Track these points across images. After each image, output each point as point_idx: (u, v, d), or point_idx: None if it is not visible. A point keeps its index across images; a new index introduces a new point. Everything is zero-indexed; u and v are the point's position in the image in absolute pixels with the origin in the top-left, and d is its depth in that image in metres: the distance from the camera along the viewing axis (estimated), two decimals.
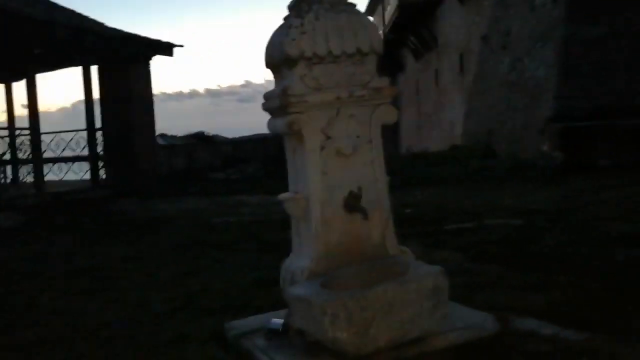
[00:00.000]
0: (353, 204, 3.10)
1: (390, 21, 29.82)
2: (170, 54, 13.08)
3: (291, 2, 3.22)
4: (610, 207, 6.56)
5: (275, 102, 3.09)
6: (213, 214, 8.65)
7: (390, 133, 36.88)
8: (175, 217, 8.62)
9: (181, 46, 13.32)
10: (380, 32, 34.23)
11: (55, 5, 12.16)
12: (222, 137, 17.02)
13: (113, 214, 9.43)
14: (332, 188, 3.09)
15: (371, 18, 38.30)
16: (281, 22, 3.21)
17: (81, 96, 12.49)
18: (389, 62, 35.83)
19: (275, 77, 3.26)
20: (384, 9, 32.19)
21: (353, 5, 3.20)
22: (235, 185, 12.26)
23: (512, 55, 12.41)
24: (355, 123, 3.13)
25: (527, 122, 10.84)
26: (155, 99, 13.24)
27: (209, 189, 11.87)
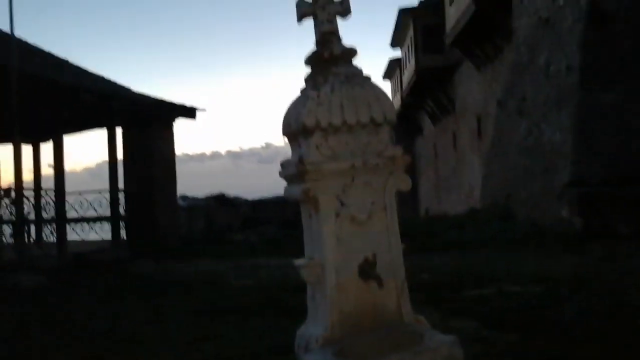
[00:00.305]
0: (368, 271, 3.13)
1: (408, 85, 30.42)
2: (193, 117, 13.46)
3: (308, 75, 3.36)
4: (632, 277, 6.46)
5: (292, 170, 3.18)
6: (231, 276, 8.66)
7: (409, 196, 36.95)
8: (193, 279, 8.64)
9: (204, 110, 13.77)
10: (398, 96, 34.87)
11: (84, 71, 12.67)
12: (242, 198, 17.22)
13: (133, 275, 9.49)
14: (347, 255, 3.13)
15: (389, 82, 39.10)
16: (298, 93, 3.35)
17: (106, 157, 12.83)
18: (407, 126, 36.32)
19: (292, 145, 3.36)
20: (401, 73, 32.88)
21: (368, 78, 3.33)
22: (253, 248, 12.30)
23: (528, 121, 12.53)
24: (369, 190, 3.19)
25: (545, 187, 10.83)
26: (177, 160, 13.55)
27: (228, 251, 11.92)
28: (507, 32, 17.30)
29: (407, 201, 35.61)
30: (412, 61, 28.17)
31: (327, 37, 3.28)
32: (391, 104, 3.31)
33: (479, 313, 5.23)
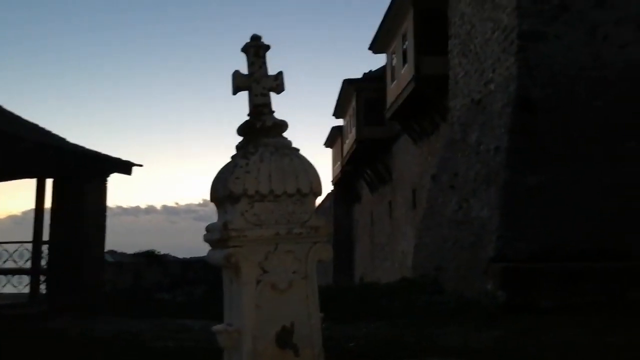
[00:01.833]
0: (285, 339, 3.15)
1: (349, 154, 31.08)
2: (129, 172, 13.22)
3: (239, 143, 3.46)
4: (551, 351, 6.67)
5: (216, 235, 3.22)
6: (153, 338, 8.38)
7: (345, 261, 37.10)
8: (113, 339, 8.31)
9: (140, 165, 13.50)
10: (339, 163, 35.51)
11: (17, 118, 12.38)
12: (172, 256, 16.86)
13: (49, 332, 9.03)
14: (266, 322, 3.15)
15: (330, 150, 39.83)
16: (229, 159, 3.43)
17: (32, 205, 12.40)
18: (346, 193, 36.87)
19: (218, 210, 3.41)
20: (342, 142, 33.62)
21: (296, 150, 3.46)
22: (180, 308, 11.97)
23: (459, 195, 13.00)
24: (292, 259, 3.26)
25: (472, 261, 11.15)
26: (110, 212, 13.22)
27: (153, 311, 11.55)
28: (443, 110, 18.15)
29: (343, 267, 35.70)
30: (354, 131, 28.92)
31: (259, 110, 3.42)
32: (318, 175, 3.44)
33: None
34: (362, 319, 10.16)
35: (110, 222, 13.16)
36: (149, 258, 15.80)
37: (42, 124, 13.05)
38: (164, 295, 14.00)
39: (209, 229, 3.35)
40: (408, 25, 20.65)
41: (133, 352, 7.27)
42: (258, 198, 3.21)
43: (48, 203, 12.40)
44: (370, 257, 32.36)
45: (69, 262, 12.03)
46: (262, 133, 3.38)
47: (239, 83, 3.42)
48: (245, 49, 3.48)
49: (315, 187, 3.38)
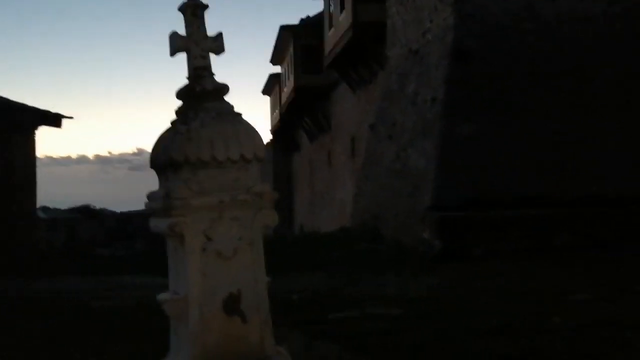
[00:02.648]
0: (232, 306, 3.16)
1: (287, 102, 30.84)
2: (58, 125, 12.74)
3: (178, 107, 3.34)
4: (482, 297, 7.02)
5: (159, 204, 3.15)
6: (93, 296, 8.27)
7: (285, 211, 37.32)
8: (51, 298, 8.14)
9: (70, 118, 13.01)
10: (277, 112, 35.23)
11: None
12: (109, 210, 16.49)
13: None
14: (212, 290, 3.14)
15: (268, 98, 39.40)
16: (168, 125, 3.32)
17: None
18: (285, 142, 36.77)
19: (159, 178, 3.32)
20: (281, 90, 33.28)
21: (239, 115, 3.38)
22: (120, 264, 11.82)
23: (397, 145, 13.21)
24: (237, 226, 3.24)
25: (410, 210, 11.46)
26: (39, 163, 12.74)
27: (92, 268, 11.35)
28: (381, 58, 18.16)
29: (283, 216, 36.00)
30: (292, 79, 28.63)
31: (199, 73, 3.30)
32: (261, 140, 3.39)
33: (342, 337, 5.42)
34: (303, 270, 10.35)
35: (40, 174, 12.70)
36: (84, 213, 15.40)
37: None
38: (103, 251, 13.76)
39: (150, 197, 3.27)
40: None
41: (73, 312, 7.15)
42: (200, 165, 3.14)
43: None
44: (309, 205, 32.71)
45: None
46: (202, 97, 3.27)
47: (176, 44, 3.28)
48: (182, 9, 3.33)
49: (259, 153, 3.33)
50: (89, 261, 12.36)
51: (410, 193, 11.81)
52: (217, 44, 3.38)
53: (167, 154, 3.10)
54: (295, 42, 27.52)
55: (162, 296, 3.21)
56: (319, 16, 26.24)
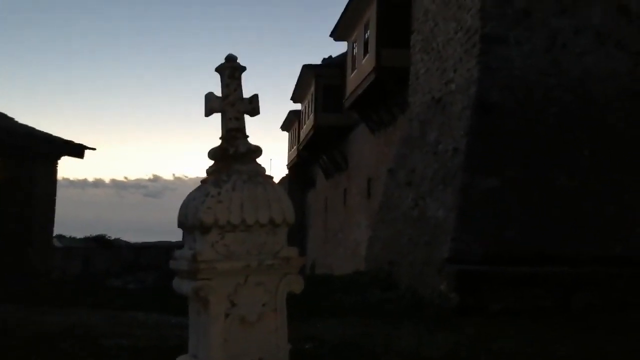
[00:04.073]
0: None
1: (305, 139, 31.01)
2: (81, 156, 12.86)
3: (210, 167, 3.34)
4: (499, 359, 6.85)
5: (184, 265, 3.12)
6: (104, 333, 8.18)
7: (298, 247, 37.08)
8: (62, 334, 8.05)
9: (93, 149, 13.14)
10: (295, 148, 35.41)
11: None
12: (124, 241, 16.50)
13: None
14: (233, 357, 3.08)
15: (286, 134, 39.66)
16: (199, 184, 3.32)
17: None
18: (301, 177, 36.88)
19: (186, 237, 3.31)
20: (300, 127, 33.50)
21: (270, 178, 3.38)
22: (132, 298, 11.74)
23: (415, 193, 13.13)
24: (262, 291, 3.20)
25: (427, 259, 11.31)
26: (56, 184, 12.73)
27: (104, 301, 11.29)
28: (402, 103, 18.25)
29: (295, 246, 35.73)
30: (312, 117, 28.84)
31: (233, 134, 3.31)
32: (290, 205, 3.37)
33: None
34: (316, 315, 10.20)
35: (56, 195, 12.74)
36: (100, 242, 15.42)
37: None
38: (115, 282, 13.72)
39: (176, 257, 3.25)
40: (371, 15, 20.61)
41: (84, 350, 7.07)
42: (229, 228, 3.12)
43: None
44: (322, 243, 32.54)
45: (16, 247, 11.64)
46: (235, 159, 3.27)
47: (212, 106, 3.30)
48: (219, 70, 3.36)
49: (288, 217, 3.31)
50: (102, 293, 12.30)
51: (427, 242, 11.67)
52: (252, 106, 3.39)
53: (196, 216, 3.09)
54: (317, 82, 27.82)
55: (181, 358, 3.15)
56: (342, 57, 26.55)
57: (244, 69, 3.38)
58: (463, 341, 7.95)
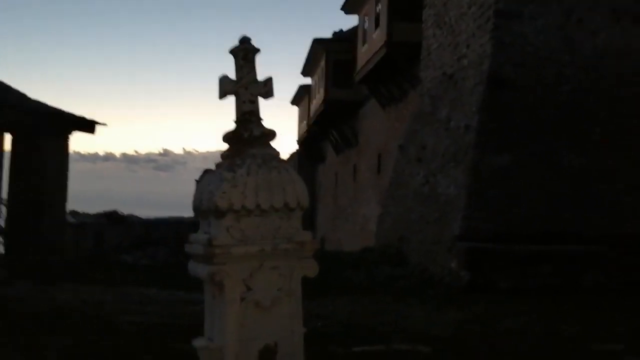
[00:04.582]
0: (268, 358, 3.12)
1: (315, 114, 30.87)
2: (92, 131, 12.87)
3: (225, 152, 3.33)
4: (509, 340, 6.89)
5: (199, 249, 3.13)
6: (117, 310, 8.29)
7: (307, 221, 37.25)
8: (75, 310, 8.17)
9: (104, 124, 13.15)
10: (305, 123, 35.27)
11: None
12: (136, 217, 16.62)
13: (6, 301, 8.82)
14: (248, 340, 3.11)
15: (296, 108, 39.48)
16: (213, 168, 3.31)
17: None
18: (311, 152, 36.80)
19: (201, 221, 3.31)
20: (310, 102, 33.32)
21: (284, 161, 3.36)
22: (144, 274, 11.86)
23: (426, 169, 13.09)
24: (277, 275, 3.21)
25: (437, 237, 11.32)
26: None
27: (116, 277, 11.41)
28: (413, 78, 18.09)
29: (305, 227, 35.76)
30: (322, 91, 28.66)
31: (247, 117, 3.29)
32: (305, 189, 3.35)
33: None
34: (327, 293, 10.26)
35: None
36: (112, 218, 15.54)
37: (2, 78, 12.50)
38: (127, 257, 13.85)
39: (191, 240, 3.26)
40: None
41: (98, 327, 7.17)
42: (244, 213, 3.12)
43: (7, 162, 11.99)
44: (332, 218, 32.62)
45: (29, 222, 11.75)
46: (249, 143, 3.26)
47: (225, 88, 3.27)
48: (233, 52, 3.32)
49: (302, 201, 3.30)
50: (115, 269, 12.43)
51: (437, 220, 11.67)
52: (266, 89, 3.36)
53: (211, 200, 3.08)
54: (328, 56, 27.57)
55: (198, 343, 3.18)
56: (352, 31, 26.25)
57: (257, 50, 3.34)
58: (472, 319, 7.99)
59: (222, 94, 3.29)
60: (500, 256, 10.05)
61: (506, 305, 8.89)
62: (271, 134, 3.34)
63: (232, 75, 3.33)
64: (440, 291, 9.98)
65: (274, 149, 3.35)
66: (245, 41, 3.33)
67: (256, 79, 3.35)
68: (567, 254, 10.15)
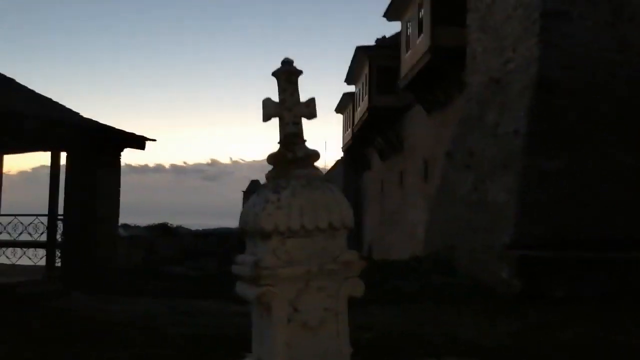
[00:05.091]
0: None
1: (360, 121, 30.82)
2: (142, 147, 13.16)
3: (269, 172, 3.35)
4: (562, 351, 6.68)
5: (247, 271, 3.15)
6: (168, 322, 8.45)
7: (354, 228, 37.03)
8: (128, 323, 8.36)
9: (154, 140, 13.42)
10: (349, 130, 35.26)
11: (30, 93, 12.28)
12: (185, 228, 16.93)
13: (63, 313, 9.11)
14: None
15: (341, 116, 39.51)
16: (260, 190, 3.33)
17: (42, 162, 12.44)
18: (356, 160, 36.73)
19: (247, 242, 3.34)
20: (354, 109, 33.31)
21: (328, 182, 3.36)
22: (193, 286, 12.05)
23: (474, 176, 12.87)
24: (323, 296, 3.20)
25: (487, 245, 11.10)
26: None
27: (166, 289, 11.63)
28: (458, 82, 17.84)
29: (352, 234, 35.68)
30: (366, 98, 28.60)
31: (291, 139, 3.30)
32: (349, 208, 3.33)
33: None
34: (375, 301, 10.18)
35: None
36: (162, 230, 15.88)
37: (57, 99, 12.97)
38: (177, 269, 14.11)
39: (238, 262, 3.28)
40: None
41: (149, 339, 7.32)
42: (289, 234, 3.13)
43: (63, 179, 12.39)
44: (379, 225, 32.44)
45: (83, 236, 12.09)
46: (293, 164, 3.27)
47: (269, 111, 3.29)
48: (276, 74, 3.34)
49: (346, 221, 3.28)
50: (164, 281, 12.68)
51: (487, 227, 11.45)
52: (309, 110, 3.37)
53: (257, 222, 3.10)
54: (371, 63, 27.52)
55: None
56: (395, 37, 26.14)
57: (300, 72, 3.36)
58: (525, 330, 7.78)
59: (266, 117, 3.31)
60: (553, 264, 9.78)
61: (560, 314, 8.62)
62: (315, 155, 3.34)
63: (275, 97, 3.35)
64: (491, 300, 9.76)
65: (318, 170, 3.36)
66: (287, 63, 3.35)
67: (299, 101, 3.36)
68: (622, 260, 9.79)
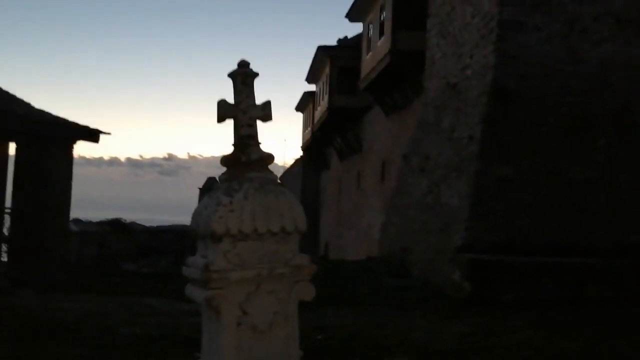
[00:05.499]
0: None
1: (320, 121, 30.90)
2: (96, 140, 12.92)
3: (223, 175, 3.34)
4: (509, 354, 6.86)
5: (197, 274, 3.13)
6: (119, 321, 8.30)
7: (311, 227, 37.21)
8: (77, 322, 8.19)
9: (108, 133, 13.19)
10: (309, 129, 35.30)
11: None
12: (139, 224, 16.66)
13: (9, 309, 8.85)
14: None
15: (301, 114, 39.54)
16: (212, 192, 3.31)
17: None
18: (315, 159, 36.82)
19: (199, 244, 3.31)
20: (314, 108, 33.37)
21: (282, 185, 3.36)
22: (146, 283, 11.87)
23: (429, 179, 13.08)
24: (273, 299, 3.20)
25: (439, 248, 11.30)
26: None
27: (118, 286, 11.43)
28: (417, 86, 18.08)
29: (309, 233, 35.76)
30: (326, 98, 28.70)
31: (245, 141, 3.29)
32: (302, 213, 3.35)
33: None
34: (329, 303, 10.23)
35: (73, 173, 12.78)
36: (115, 226, 15.58)
37: (7, 88, 12.57)
38: (130, 266, 13.87)
39: (189, 264, 3.26)
40: None
41: (100, 339, 7.19)
42: (241, 237, 3.12)
43: (11, 171, 12.05)
44: (336, 224, 32.60)
45: (32, 230, 11.79)
46: (247, 167, 3.26)
47: (224, 113, 3.28)
48: (232, 76, 3.33)
49: (300, 225, 3.30)
50: (116, 278, 12.46)
51: (440, 230, 11.65)
52: (265, 113, 3.37)
53: (208, 225, 3.09)
54: (332, 63, 27.63)
55: None
56: (357, 38, 26.31)
57: (256, 75, 3.35)
58: (474, 333, 7.95)
59: (221, 118, 3.30)
60: (503, 268, 10.02)
61: (509, 318, 8.84)
62: (269, 158, 3.35)
63: (231, 98, 3.33)
64: (443, 303, 9.94)
65: (272, 173, 3.36)
66: (244, 65, 3.34)
67: (255, 103, 3.35)
68: (570, 266, 10.09)
